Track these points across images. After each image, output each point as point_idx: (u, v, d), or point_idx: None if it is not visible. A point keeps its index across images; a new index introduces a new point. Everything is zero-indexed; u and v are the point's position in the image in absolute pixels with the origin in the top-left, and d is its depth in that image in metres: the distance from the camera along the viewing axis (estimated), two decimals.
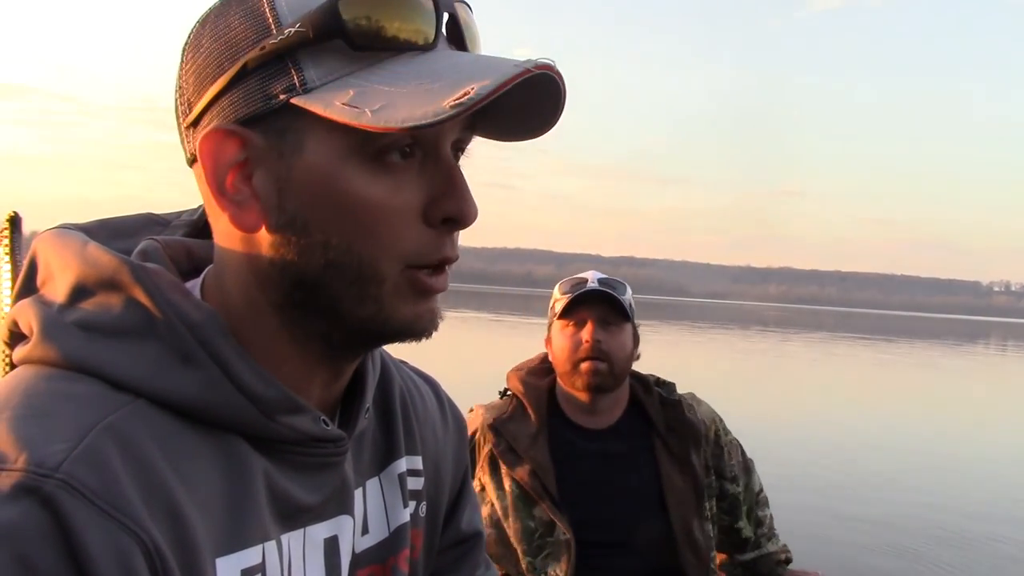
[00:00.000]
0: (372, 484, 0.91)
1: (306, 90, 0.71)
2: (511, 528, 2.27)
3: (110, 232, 0.84)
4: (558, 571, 2.21)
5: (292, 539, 0.78)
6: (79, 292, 0.74)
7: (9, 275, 1.41)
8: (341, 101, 0.69)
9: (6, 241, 1.43)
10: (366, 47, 0.71)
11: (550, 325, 2.43)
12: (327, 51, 0.71)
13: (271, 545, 0.75)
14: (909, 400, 19.42)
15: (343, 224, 0.72)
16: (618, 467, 2.32)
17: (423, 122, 0.67)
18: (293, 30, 0.71)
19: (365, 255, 0.73)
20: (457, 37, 0.77)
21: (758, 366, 26.59)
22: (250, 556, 0.72)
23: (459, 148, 0.79)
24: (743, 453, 2.51)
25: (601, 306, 2.33)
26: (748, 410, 14.80)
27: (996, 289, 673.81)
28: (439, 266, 0.76)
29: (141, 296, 0.73)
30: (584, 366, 2.30)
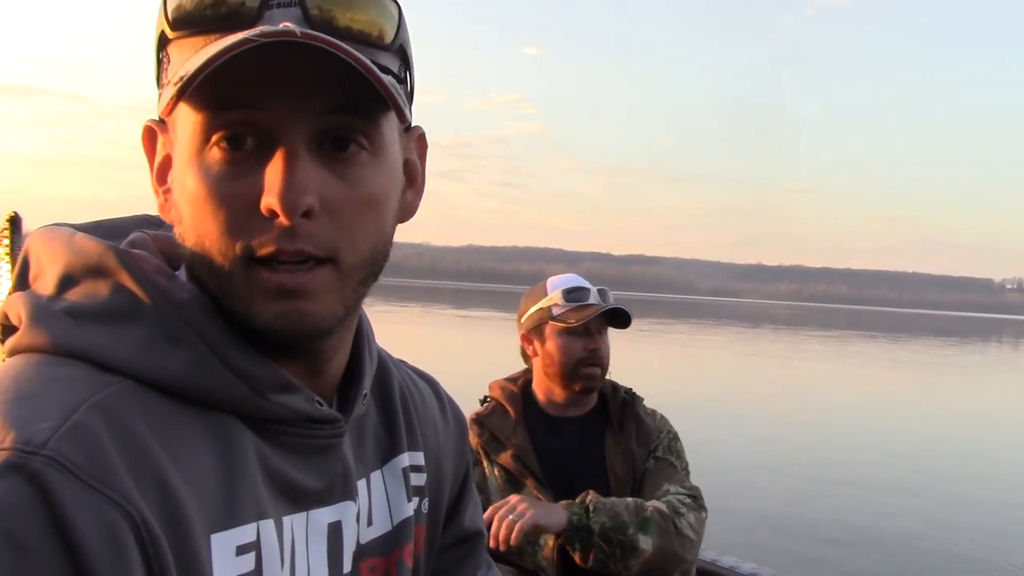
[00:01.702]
0: (375, 476, 0.91)
1: (169, 83, 0.71)
2: None
3: (104, 232, 0.83)
4: (549, 540, 2.38)
5: (295, 521, 0.78)
6: (67, 281, 0.75)
7: (9, 274, 1.41)
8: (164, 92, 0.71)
9: (6, 241, 1.44)
10: (186, 32, 0.71)
11: (540, 325, 2.61)
12: (179, 41, 0.72)
13: (267, 524, 0.74)
14: (932, 399, 19.32)
15: (191, 216, 0.72)
16: (575, 455, 2.56)
17: (160, 109, 0.68)
18: (161, 24, 0.73)
19: (209, 247, 0.72)
20: (306, 14, 0.71)
21: (775, 367, 26.48)
22: (245, 533, 0.72)
23: (341, 135, 0.73)
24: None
25: (600, 316, 2.55)
26: (771, 409, 14.77)
27: (1008, 287, 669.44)
28: (297, 263, 0.72)
29: (127, 281, 0.74)
30: (586, 371, 2.53)
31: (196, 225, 0.72)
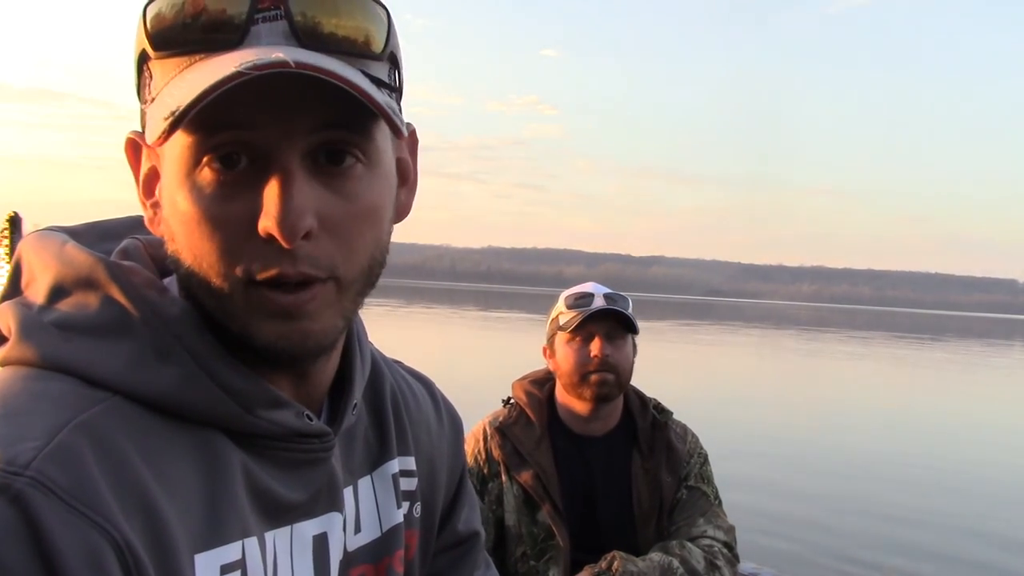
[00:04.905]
0: (364, 483, 0.90)
1: (152, 101, 0.70)
2: (516, 531, 2.40)
3: (99, 234, 0.83)
4: (558, 575, 2.35)
5: (278, 536, 0.77)
6: (57, 292, 0.74)
7: (8, 275, 1.42)
8: (149, 113, 0.70)
9: (6, 241, 1.43)
10: (169, 51, 0.68)
11: (552, 336, 2.55)
12: (161, 60, 0.70)
13: (252, 542, 0.73)
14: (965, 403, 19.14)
15: (185, 237, 0.70)
16: (600, 478, 2.47)
17: (152, 139, 0.66)
18: (141, 41, 0.70)
19: (206, 268, 0.70)
20: (293, 28, 0.68)
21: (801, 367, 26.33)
22: (229, 552, 0.71)
23: (335, 149, 0.71)
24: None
25: (607, 321, 2.45)
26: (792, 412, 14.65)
27: None
28: (298, 283, 0.70)
29: (117, 294, 0.73)
30: (593, 378, 2.43)
31: (192, 247, 0.70)
